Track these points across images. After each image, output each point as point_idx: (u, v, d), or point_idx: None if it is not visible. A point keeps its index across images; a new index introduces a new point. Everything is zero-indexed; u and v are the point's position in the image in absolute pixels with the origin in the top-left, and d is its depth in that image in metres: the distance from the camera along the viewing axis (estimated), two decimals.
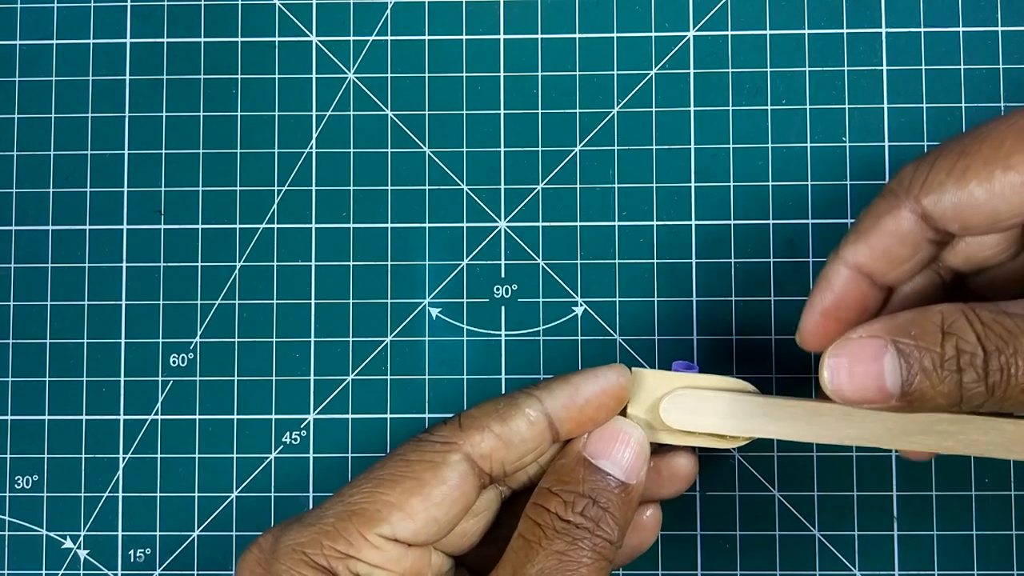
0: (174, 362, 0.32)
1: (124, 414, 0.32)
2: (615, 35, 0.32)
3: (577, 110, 0.32)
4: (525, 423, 0.24)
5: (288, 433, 0.32)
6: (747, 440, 0.26)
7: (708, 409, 0.26)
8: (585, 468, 0.24)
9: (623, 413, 0.26)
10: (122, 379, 0.32)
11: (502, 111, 0.32)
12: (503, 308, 0.32)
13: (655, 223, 0.32)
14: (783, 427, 0.25)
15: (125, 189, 0.32)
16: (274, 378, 0.32)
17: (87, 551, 0.32)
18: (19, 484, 0.32)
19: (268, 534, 0.24)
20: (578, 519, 0.23)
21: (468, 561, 0.26)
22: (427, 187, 0.32)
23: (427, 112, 0.32)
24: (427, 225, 0.32)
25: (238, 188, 0.32)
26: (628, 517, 0.24)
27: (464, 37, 0.32)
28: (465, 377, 0.32)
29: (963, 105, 0.32)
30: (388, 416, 0.32)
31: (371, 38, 0.33)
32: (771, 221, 0.32)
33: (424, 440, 0.24)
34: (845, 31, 0.32)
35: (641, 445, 0.25)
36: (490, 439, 0.24)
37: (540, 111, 0.32)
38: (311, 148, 0.32)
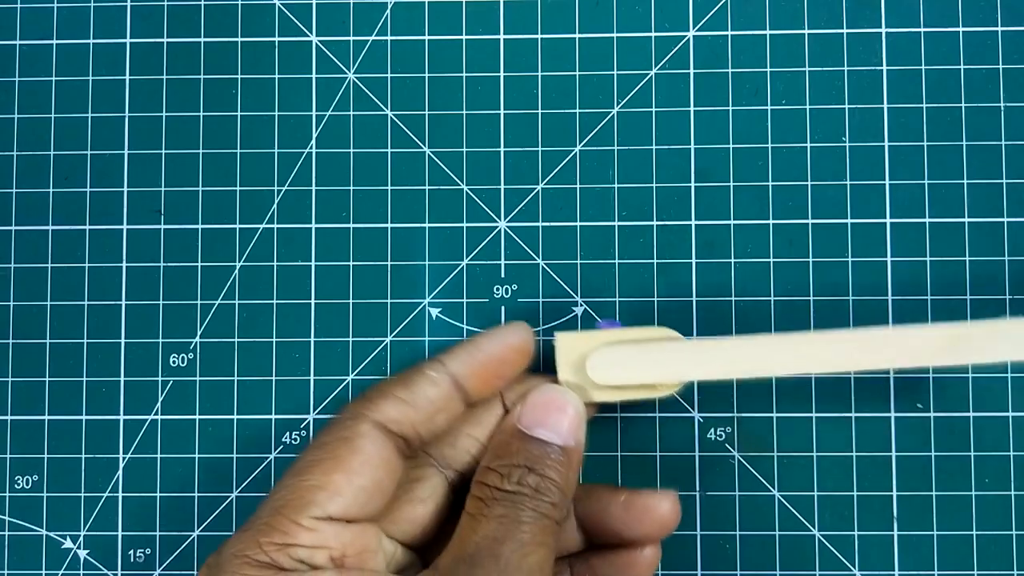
0: (174, 362, 0.32)
1: (124, 414, 0.32)
2: (615, 35, 0.32)
3: (577, 110, 0.32)
4: (428, 384, 0.25)
5: (288, 433, 0.32)
6: (677, 387, 0.26)
7: (633, 361, 0.26)
8: (520, 440, 0.25)
9: (555, 380, 0.27)
10: (122, 379, 0.32)
11: (502, 111, 0.32)
12: (503, 308, 0.32)
13: (655, 223, 0.32)
14: (708, 368, 0.26)
15: (125, 189, 0.32)
16: (274, 378, 0.32)
17: (87, 551, 0.32)
18: (19, 484, 0.32)
19: (213, 554, 0.24)
20: (515, 487, 0.24)
21: (434, 557, 0.26)
22: (427, 187, 0.32)
23: (427, 112, 0.32)
24: (427, 225, 0.32)
25: (238, 188, 0.32)
26: (570, 478, 0.25)
27: (464, 37, 0.32)
28: None
29: (963, 105, 0.32)
30: None
31: (371, 38, 0.33)
32: (771, 221, 0.32)
33: (334, 420, 0.25)
34: (845, 31, 0.32)
35: (574, 408, 0.26)
36: (395, 404, 0.25)
37: (540, 111, 0.32)
38: (311, 148, 0.32)
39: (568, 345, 0.27)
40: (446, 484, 0.27)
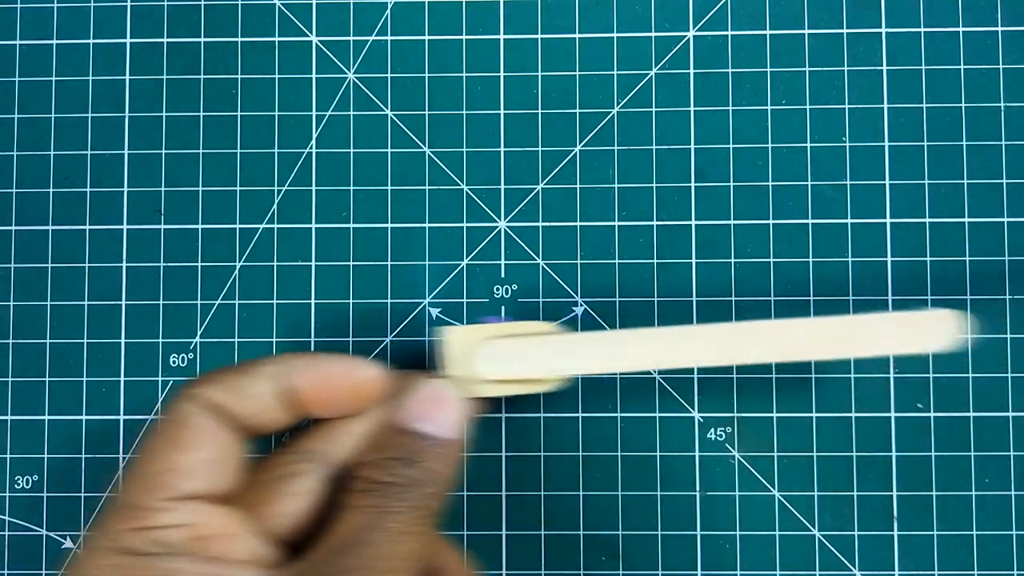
0: (174, 362, 0.32)
1: (124, 414, 0.32)
2: (615, 35, 0.32)
3: (577, 110, 0.32)
4: (260, 379, 0.25)
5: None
6: (562, 381, 0.27)
7: (517, 355, 0.27)
8: (399, 434, 0.25)
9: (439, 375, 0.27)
10: (122, 379, 0.32)
11: (502, 111, 0.32)
12: (503, 308, 0.32)
13: (655, 223, 0.32)
14: (590, 362, 0.26)
15: (125, 189, 0.32)
16: None
17: None
18: (19, 484, 0.32)
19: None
20: (390, 478, 0.24)
21: None
22: (427, 187, 0.32)
23: (427, 112, 0.32)
24: (427, 225, 0.32)
25: (238, 188, 0.32)
26: (449, 471, 0.25)
27: (464, 37, 0.32)
28: None
29: (963, 105, 0.32)
30: None
31: (371, 38, 0.33)
32: (771, 221, 0.32)
33: (165, 408, 0.25)
34: (845, 31, 0.32)
35: (455, 402, 0.26)
36: (221, 389, 0.25)
37: (540, 111, 0.32)
38: (311, 148, 0.32)
39: (455, 340, 0.27)
40: (325, 480, 0.26)
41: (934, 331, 0.26)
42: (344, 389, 0.26)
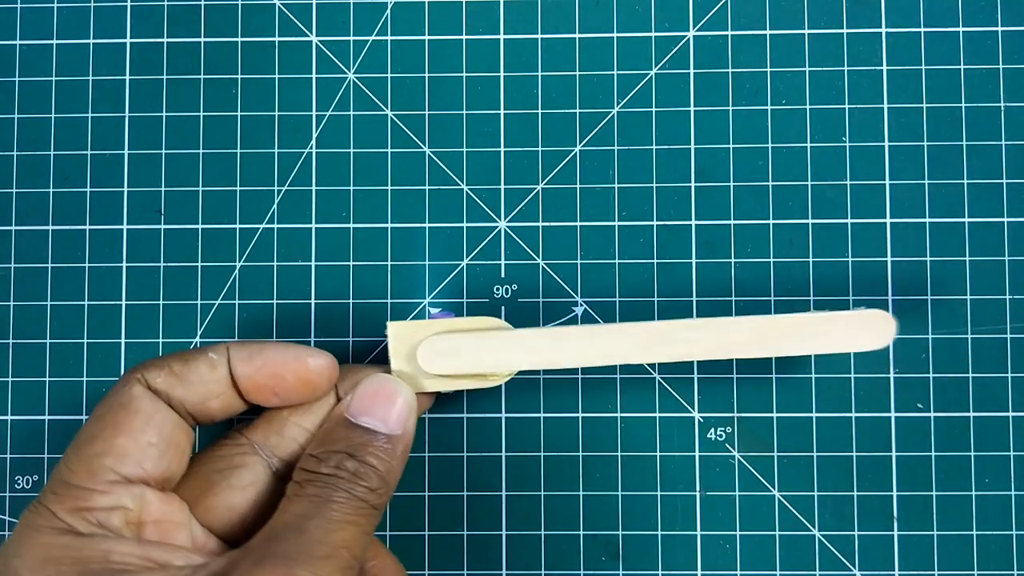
0: None
1: None
2: (615, 35, 0.32)
3: (577, 110, 0.32)
4: (207, 367, 0.25)
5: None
6: (506, 376, 0.27)
7: (463, 350, 0.26)
8: (345, 428, 0.25)
9: (387, 370, 0.27)
10: None
11: (502, 111, 0.32)
12: (503, 308, 0.32)
13: (655, 223, 0.32)
14: (535, 356, 0.27)
15: (125, 189, 0.32)
16: None
17: None
18: (19, 484, 0.32)
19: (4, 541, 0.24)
20: (332, 470, 0.24)
21: None
22: (427, 187, 0.32)
23: (427, 112, 0.32)
24: (427, 225, 0.32)
25: (238, 188, 0.32)
26: (393, 466, 0.25)
27: (464, 37, 0.32)
28: None
29: (963, 105, 0.32)
30: None
31: (371, 38, 0.33)
32: (771, 221, 0.32)
33: (109, 392, 0.25)
34: (845, 31, 0.32)
35: (403, 397, 0.26)
36: (168, 375, 0.25)
37: (540, 111, 0.32)
38: (311, 148, 0.32)
39: (400, 334, 0.27)
40: (270, 473, 0.26)
41: (870, 330, 0.26)
42: (291, 378, 0.26)
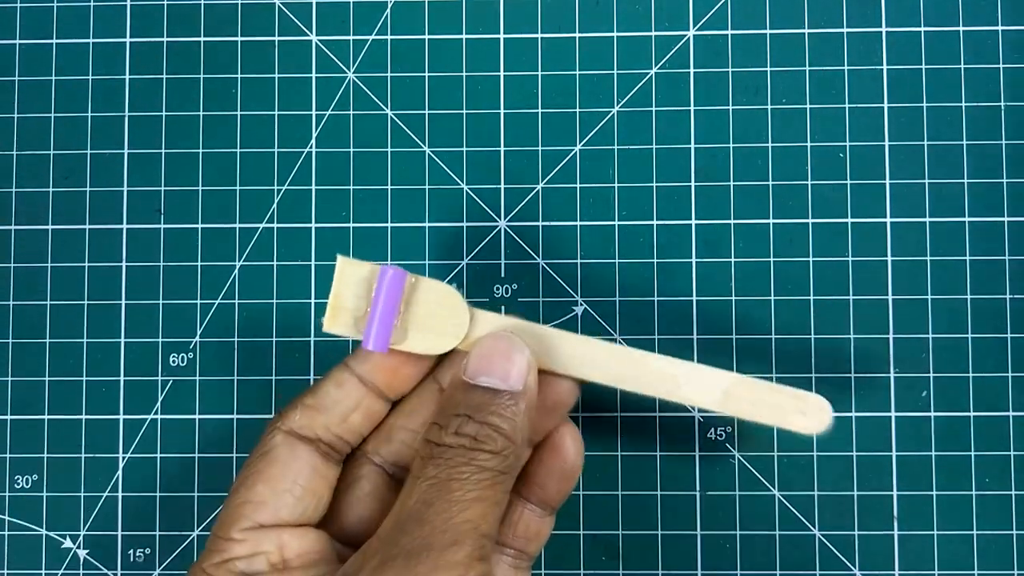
0: (174, 362, 0.32)
1: (124, 414, 0.32)
2: (615, 35, 0.32)
3: (577, 110, 0.32)
4: (333, 386, 0.26)
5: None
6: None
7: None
8: (464, 391, 0.24)
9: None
10: (122, 379, 0.32)
11: (502, 111, 0.32)
12: (503, 308, 0.32)
13: (655, 223, 0.32)
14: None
15: (125, 189, 0.32)
16: (274, 378, 0.32)
17: (87, 551, 0.32)
18: (19, 484, 0.32)
19: None
20: (453, 439, 0.23)
21: None
22: (427, 187, 0.32)
23: (427, 112, 0.32)
24: (427, 225, 0.32)
25: (238, 188, 0.32)
26: (518, 424, 0.24)
27: (464, 37, 0.32)
28: None
29: (963, 105, 0.32)
30: None
31: (371, 38, 0.33)
32: (771, 221, 0.32)
33: (258, 440, 0.26)
34: (845, 31, 0.32)
35: (521, 354, 0.25)
36: (304, 411, 0.25)
37: (540, 111, 0.32)
38: (311, 148, 0.32)
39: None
40: (387, 480, 0.26)
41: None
42: (408, 358, 0.26)
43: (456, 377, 0.25)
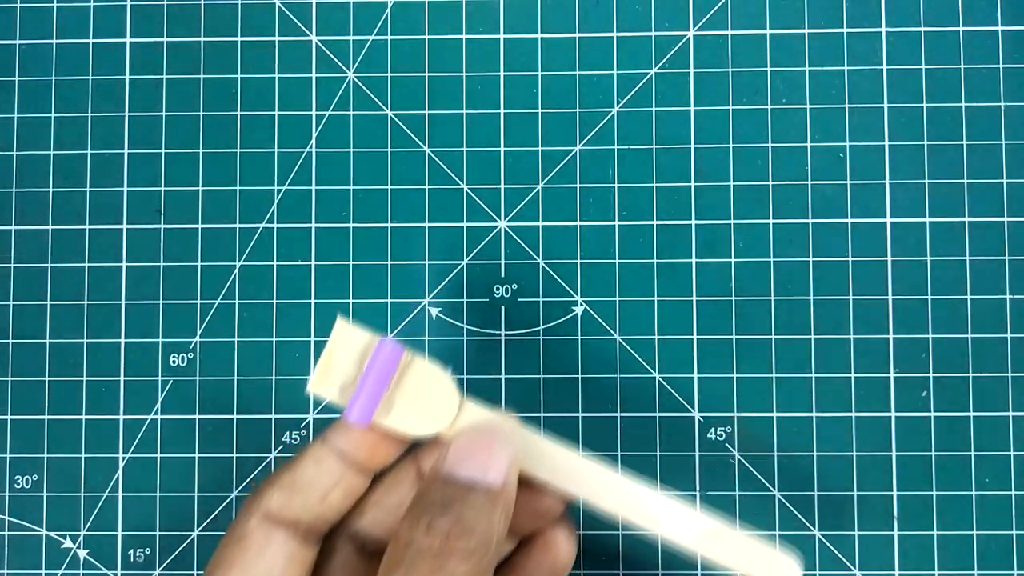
0: (174, 362, 0.32)
1: (124, 414, 0.32)
2: (615, 35, 0.32)
3: (577, 110, 0.32)
4: (312, 464, 0.24)
5: (288, 433, 0.32)
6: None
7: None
8: (439, 483, 0.23)
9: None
10: (122, 379, 0.32)
11: (502, 111, 0.32)
12: (503, 308, 0.32)
13: (655, 223, 0.32)
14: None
15: (125, 189, 0.32)
16: (274, 378, 0.32)
17: (87, 551, 0.32)
18: (19, 484, 0.32)
19: None
20: (423, 538, 0.22)
21: None
22: (427, 187, 0.32)
23: (427, 112, 0.32)
24: (427, 225, 0.32)
25: (238, 188, 0.32)
26: (494, 520, 0.23)
27: (464, 37, 0.32)
28: (465, 377, 0.32)
29: (963, 105, 0.32)
30: None
31: (371, 38, 0.33)
32: (771, 221, 0.32)
33: (229, 526, 0.24)
34: (845, 31, 0.32)
35: (503, 447, 0.24)
36: (280, 491, 0.24)
37: (540, 111, 0.32)
38: (311, 148, 0.32)
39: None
40: (361, 555, 0.26)
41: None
42: (385, 437, 0.25)
43: (435, 468, 0.24)
